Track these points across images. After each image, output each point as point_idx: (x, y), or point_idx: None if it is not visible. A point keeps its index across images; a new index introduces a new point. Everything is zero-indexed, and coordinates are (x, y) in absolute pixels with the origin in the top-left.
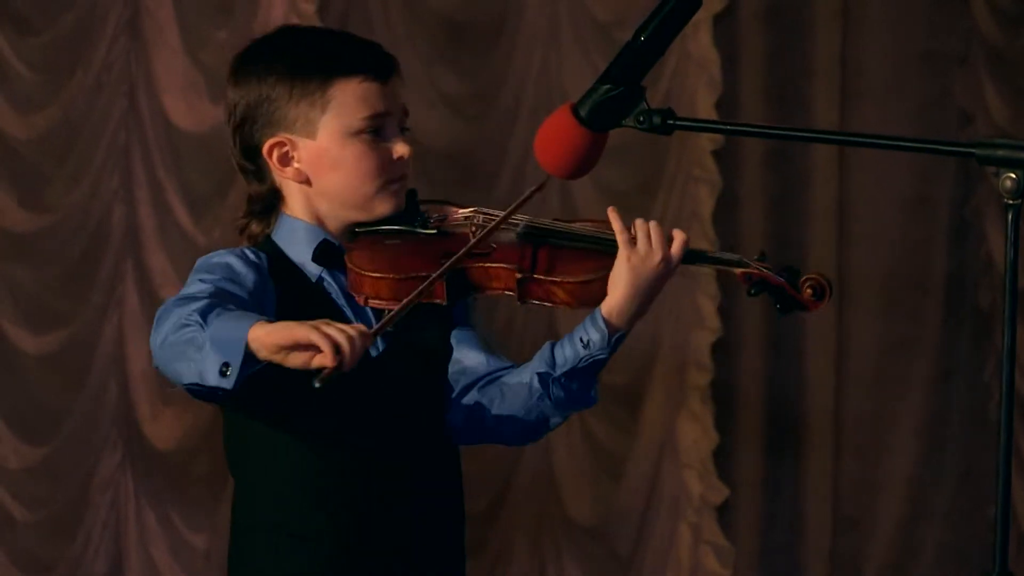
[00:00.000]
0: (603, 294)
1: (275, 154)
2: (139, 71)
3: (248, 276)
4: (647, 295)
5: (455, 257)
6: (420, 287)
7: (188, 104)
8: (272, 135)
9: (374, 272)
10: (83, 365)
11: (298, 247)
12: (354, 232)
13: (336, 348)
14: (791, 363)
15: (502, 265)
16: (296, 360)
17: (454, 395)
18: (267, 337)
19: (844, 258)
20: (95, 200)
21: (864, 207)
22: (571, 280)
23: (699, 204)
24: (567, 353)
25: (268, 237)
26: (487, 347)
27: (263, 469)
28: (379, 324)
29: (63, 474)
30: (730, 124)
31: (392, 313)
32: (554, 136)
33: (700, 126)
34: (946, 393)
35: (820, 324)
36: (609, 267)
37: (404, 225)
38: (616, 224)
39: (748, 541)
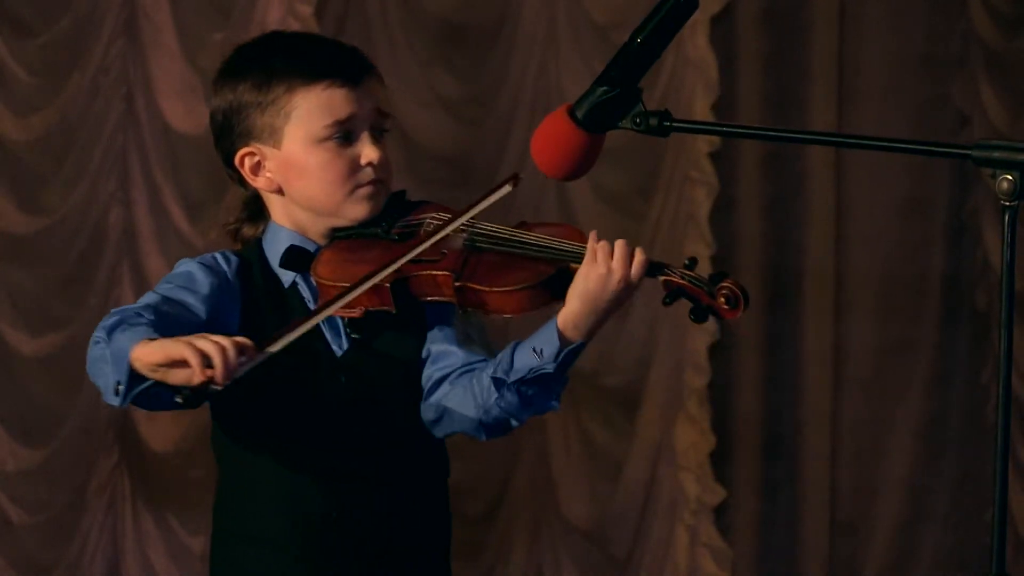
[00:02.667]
0: (536, 303)
1: (247, 164)
2: (136, 74)
3: (205, 283)
4: (604, 311)
5: (377, 270)
6: (321, 306)
7: (185, 106)
8: (244, 145)
9: (333, 281)
10: (80, 368)
11: (278, 253)
12: (334, 236)
13: (206, 361)
14: (788, 365)
15: (444, 272)
16: (177, 377)
17: (428, 387)
18: (145, 356)
19: (841, 260)
20: (92, 202)
21: (861, 209)
22: (497, 289)
23: (696, 206)
24: (523, 359)
25: (258, 241)
26: (462, 340)
27: (236, 472)
28: (277, 334)
29: (60, 477)
30: (727, 126)
31: (292, 325)
32: (551, 138)
33: (697, 128)
34: (944, 396)
35: (817, 326)
36: (542, 276)
37: (375, 229)
38: (589, 243)
39: (745, 543)
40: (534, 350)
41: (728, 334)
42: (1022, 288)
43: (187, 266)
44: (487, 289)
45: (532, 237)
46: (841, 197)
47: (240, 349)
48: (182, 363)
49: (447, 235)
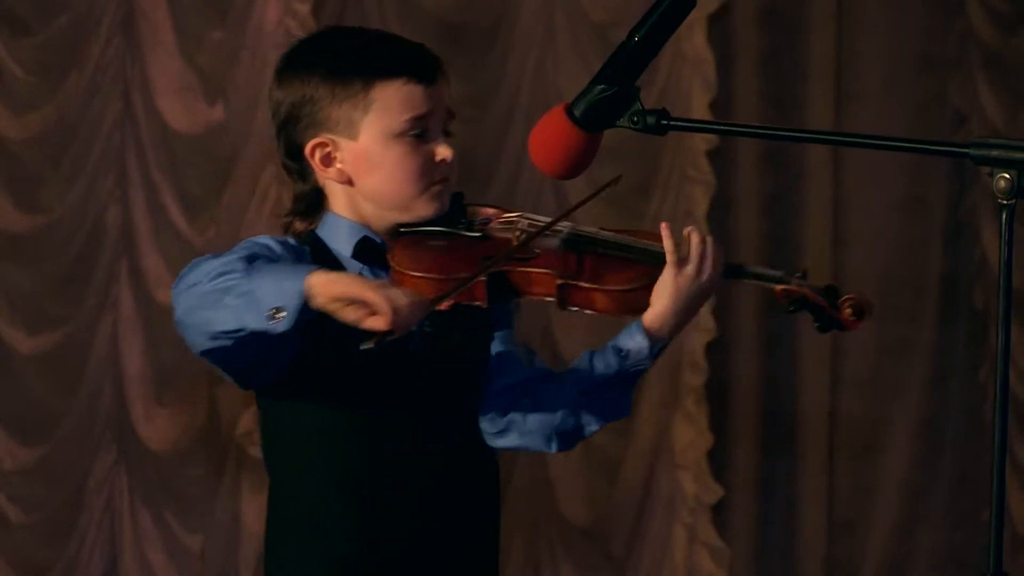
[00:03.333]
0: (643, 304)
1: (317, 155)
2: (134, 72)
3: (286, 258)
4: (691, 310)
5: (500, 255)
6: (466, 277)
7: (183, 105)
8: (315, 136)
9: (416, 272)
10: (78, 366)
11: (340, 243)
12: (398, 232)
13: (394, 312)
14: (786, 364)
15: (544, 270)
16: (350, 315)
17: (490, 399)
18: (328, 286)
19: (839, 259)
20: (90, 201)
21: (859, 208)
22: (614, 288)
23: (694, 205)
24: (606, 363)
25: (312, 232)
26: (525, 353)
27: (293, 460)
28: (432, 298)
29: (58, 475)
30: (725, 124)
31: (443, 294)
32: (549, 136)
33: (695, 126)
34: (942, 394)
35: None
36: (650, 278)
37: (448, 227)
38: (667, 243)
39: (743, 542)
40: (620, 351)
41: (725, 332)
42: (1020, 286)
43: (264, 240)
44: (598, 288)
45: (632, 240)
46: (839, 196)
47: (421, 308)
48: (361, 304)
49: (542, 234)
